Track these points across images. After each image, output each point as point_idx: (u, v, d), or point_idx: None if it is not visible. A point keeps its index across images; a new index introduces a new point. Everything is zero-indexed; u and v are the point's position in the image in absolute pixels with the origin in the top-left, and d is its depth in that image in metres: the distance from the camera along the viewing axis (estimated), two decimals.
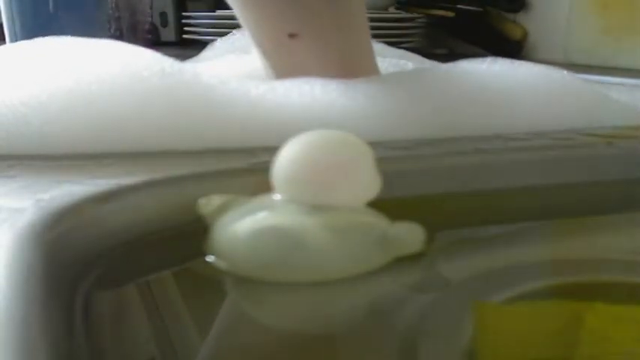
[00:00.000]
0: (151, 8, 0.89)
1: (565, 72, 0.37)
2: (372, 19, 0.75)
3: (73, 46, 0.30)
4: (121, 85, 0.27)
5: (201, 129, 0.28)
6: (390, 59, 0.46)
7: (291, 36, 0.34)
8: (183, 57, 0.87)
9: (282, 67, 0.36)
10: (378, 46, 0.54)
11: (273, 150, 0.21)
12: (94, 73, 0.27)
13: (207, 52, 0.55)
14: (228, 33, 0.74)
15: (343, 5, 0.35)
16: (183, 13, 0.94)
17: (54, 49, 0.30)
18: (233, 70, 0.42)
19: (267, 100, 0.29)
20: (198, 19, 0.82)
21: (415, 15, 0.87)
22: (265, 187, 0.21)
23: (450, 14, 0.84)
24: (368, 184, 0.21)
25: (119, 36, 0.84)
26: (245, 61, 0.44)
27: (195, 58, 0.54)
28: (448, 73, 0.34)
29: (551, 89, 0.35)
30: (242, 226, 0.20)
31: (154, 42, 0.93)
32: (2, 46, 0.32)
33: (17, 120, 0.26)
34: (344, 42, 0.35)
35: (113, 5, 0.82)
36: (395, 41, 0.81)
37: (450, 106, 0.32)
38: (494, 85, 0.34)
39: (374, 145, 0.21)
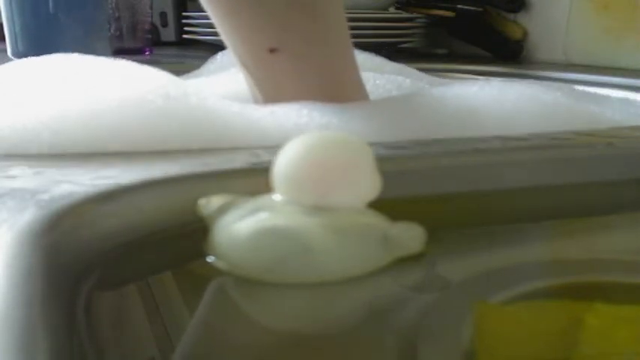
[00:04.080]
0: (151, 8, 0.89)
1: (559, 93, 0.37)
2: (372, 19, 0.75)
3: (78, 66, 0.31)
4: (126, 108, 0.27)
5: (205, 148, 0.28)
6: (389, 76, 0.47)
7: (271, 51, 0.34)
8: (183, 57, 0.86)
9: (265, 82, 0.36)
10: (377, 60, 0.54)
11: (273, 150, 0.21)
12: (101, 97, 0.28)
13: (209, 65, 0.54)
14: None
15: (322, 19, 0.35)
16: (183, 13, 0.94)
17: (61, 67, 0.30)
18: (236, 86, 0.43)
19: (268, 122, 0.30)
20: (198, 19, 0.82)
21: (415, 15, 0.87)
22: (265, 188, 0.21)
23: (450, 14, 0.84)
24: (368, 184, 0.21)
25: (119, 36, 0.84)
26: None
27: (197, 72, 0.54)
28: (440, 98, 0.35)
29: (541, 112, 0.35)
30: (242, 226, 0.20)
31: (154, 42, 0.93)
32: (11, 63, 0.32)
33: (28, 133, 0.26)
34: (325, 57, 0.35)
35: (113, 5, 0.82)
36: (395, 41, 0.81)
37: (441, 132, 0.32)
38: (484, 109, 0.34)
39: (374, 145, 0.21)
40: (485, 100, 0.35)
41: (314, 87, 0.34)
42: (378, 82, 0.43)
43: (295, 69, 0.35)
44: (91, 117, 0.27)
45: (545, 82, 0.59)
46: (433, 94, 0.36)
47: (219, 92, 0.39)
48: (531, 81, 0.62)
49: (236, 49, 0.36)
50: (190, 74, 0.52)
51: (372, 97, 0.39)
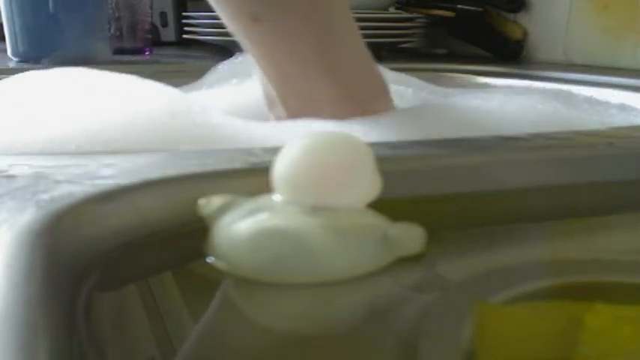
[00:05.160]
0: (151, 8, 0.89)
1: (559, 105, 0.37)
2: (372, 19, 0.75)
3: (83, 81, 0.31)
4: (133, 126, 0.28)
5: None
6: (391, 85, 0.47)
7: (254, 20, 0.32)
8: (183, 57, 0.86)
9: (256, 55, 0.35)
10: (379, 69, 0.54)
11: (273, 150, 0.21)
12: (107, 114, 0.28)
13: (210, 76, 0.54)
14: (227, 33, 0.74)
15: None
16: (183, 13, 0.94)
17: (67, 83, 0.31)
18: (238, 97, 0.43)
19: (273, 138, 0.30)
20: (198, 19, 0.82)
21: (415, 15, 0.87)
22: (265, 188, 0.21)
23: (450, 14, 0.84)
24: (368, 185, 0.21)
25: (119, 36, 0.84)
26: (246, 88, 0.45)
27: (198, 82, 0.54)
28: (450, 108, 0.36)
29: (540, 124, 0.35)
30: (242, 227, 0.20)
31: (154, 42, 0.93)
32: (17, 75, 0.32)
33: (34, 149, 0.27)
34: (318, 33, 0.33)
35: (113, 5, 0.82)
36: (395, 41, 0.81)
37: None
38: (485, 121, 0.35)
39: (374, 145, 0.21)
40: (488, 110, 0.36)
41: (309, 67, 0.33)
42: None
43: (282, 43, 0.33)
44: (97, 134, 0.27)
45: (544, 84, 0.59)
46: (444, 104, 0.36)
47: (223, 106, 0.40)
48: (532, 82, 0.62)
49: (222, 17, 0.34)
50: (192, 85, 0.52)
51: None
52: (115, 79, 0.31)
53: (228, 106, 0.41)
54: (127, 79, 0.31)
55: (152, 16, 0.91)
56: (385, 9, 0.84)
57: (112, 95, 0.30)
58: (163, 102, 0.29)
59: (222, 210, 0.21)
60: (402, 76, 0.55)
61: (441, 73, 0.68)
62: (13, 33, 0.67)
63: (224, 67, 0.54)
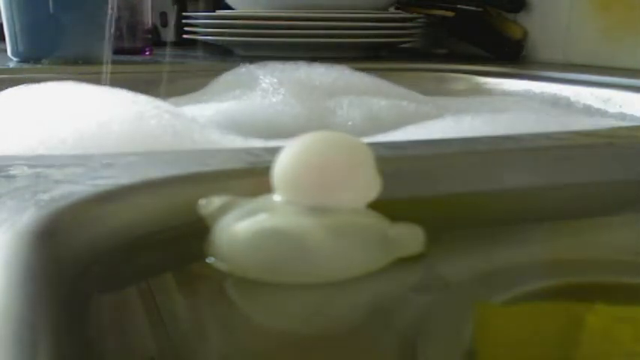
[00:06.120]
0: (151, 8, 0.89)
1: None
2: (372, 19, 0.75)
3: (79, 97, 0.31)
4: (136, 144, 0.28)
5: None
6: (393, 100, 0.47)
7: None
8: (183, 57, 0.86)
9: None
10: (383, 84, 0.53)
11: (273, 150, 0.21)
12: (108, 131, 0.28)
13: (213, 86, 0.54)
14: (227, 33, 0.74)
15: None
16: (184, 13, 0.94)
17: (64, 98, 0.31)
18: (240, 110, 0.43)
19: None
20: (198, 19, 0.82)
21: (415, 15, 0.87)
22: (265, 188, 0.21)
23: (450, 14, 0.84)
24: (368, 185, 0.21)
25: (119, 36, 0.84)
26: (248, 99, 0.45)
27: (202, 91, 0.53)
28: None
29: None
30: (242, 227, 0.20)
31: (154, 42, 0.93)
32: (22, 86, 0.32)
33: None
34: None
35: (113, 5, 0.82)
36: (395, 41, 0.81)
37: None
38: None
39: (374, 145, 0.21)
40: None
41: None
42: (380, 103, 0.44)
43: None
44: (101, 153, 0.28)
45: (544, 84, 0.59)
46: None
47: (224, 120, 0.40)
48: (531, 82, 0.62)
49: None
50: (195, 94, 0.52)
51: (376, 123, 0.40)
52: (110, 94, 0.32)
53: (231, 119, 0.41)
54: (125, 95, 0.32)
55: (152, 16, 0.91)
56: (385, 9, 0.84)
57: (111, 112, 0.30)
58: (164, 119, 0.30)
59: (223, 210, 0.21)
60: (407, 92, 0.54)
61: (441, 73, 0.68)
62: (13, 33, 0.67)
63: (227, 76, 0.53)
